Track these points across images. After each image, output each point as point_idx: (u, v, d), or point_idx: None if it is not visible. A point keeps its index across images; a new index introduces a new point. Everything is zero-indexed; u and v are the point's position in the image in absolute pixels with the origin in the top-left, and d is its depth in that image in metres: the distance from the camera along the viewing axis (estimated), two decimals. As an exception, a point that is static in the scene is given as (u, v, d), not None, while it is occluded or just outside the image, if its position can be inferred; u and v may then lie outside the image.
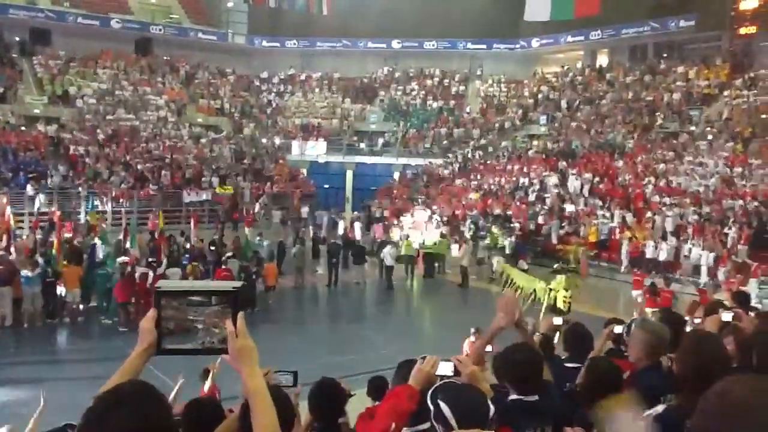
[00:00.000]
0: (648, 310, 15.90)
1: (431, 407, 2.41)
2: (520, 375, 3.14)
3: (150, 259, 18.31)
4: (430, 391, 2.50)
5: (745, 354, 3.21)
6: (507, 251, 23.95)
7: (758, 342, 3.21)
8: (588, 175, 28.90)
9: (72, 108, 33.68)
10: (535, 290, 17.79)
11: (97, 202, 25.52)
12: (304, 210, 31.17)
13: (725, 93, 32.70)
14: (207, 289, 2.01)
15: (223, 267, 18.21)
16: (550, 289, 17.22)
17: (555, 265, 20.97)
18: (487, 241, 25.19)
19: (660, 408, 2.76)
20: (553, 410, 3.17)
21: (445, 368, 2.82)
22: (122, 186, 27.70)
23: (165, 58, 41.73)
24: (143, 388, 1.68)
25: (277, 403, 1.90)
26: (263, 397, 1.86)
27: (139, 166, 29.49)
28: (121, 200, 26.86)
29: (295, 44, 46.26)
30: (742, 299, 7.19)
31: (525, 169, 32.14)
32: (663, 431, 2.51)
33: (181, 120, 36.80)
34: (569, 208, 26.79)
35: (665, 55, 38.76)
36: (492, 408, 2.40)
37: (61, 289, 16.16)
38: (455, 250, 24.22)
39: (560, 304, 16.50)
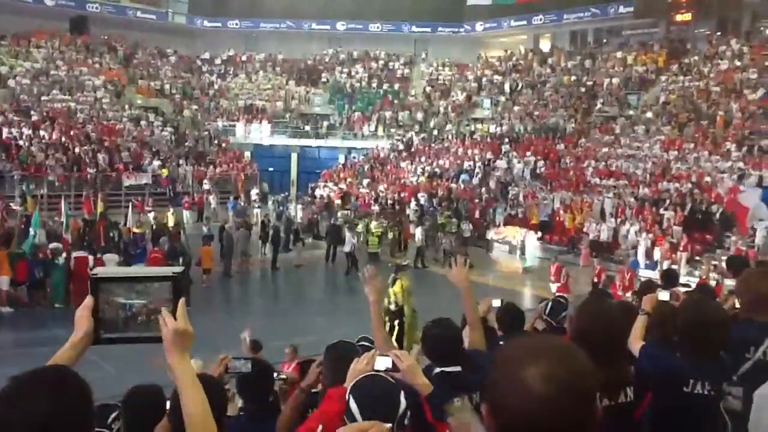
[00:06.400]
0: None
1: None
2: (439, 348, 3.31)
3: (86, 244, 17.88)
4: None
5: (662, 326, 3.35)
6: (465, 235, 23.95)
7: (682, 312, 3.33)
8: (530, 158, 29.37)
9: (4, 89, 32.33)
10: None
11: (32, 186, 24.63)
12: (253, 193, 30.75)
13: (662, 78, 33.57)
14: (146, 275, 1.96)
15: (155, 248, 17.95)
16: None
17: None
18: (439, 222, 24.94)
19: None
20: (478, 379, 3.20)
21: (383, 363, 2.71)
22: (58, 169, 26.82)
23: (102, 37, 40.41)
24: (60, 371, 1.64)
25: (210, 391, 1.86)
26: (192, 383, 1.80)
27: (75, 149, 28.59)
28: (57, 184, 26.01)
29: (237, 25, 45.43)
30: (670, 277, 7.43)
31: (469, 153, 32.44)
32: None
33: (120, 101, 35.75)
34: (513, 190, 27.19)
35: (605, 40, 39.49)
36: (403, 401, 2.35)
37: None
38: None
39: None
